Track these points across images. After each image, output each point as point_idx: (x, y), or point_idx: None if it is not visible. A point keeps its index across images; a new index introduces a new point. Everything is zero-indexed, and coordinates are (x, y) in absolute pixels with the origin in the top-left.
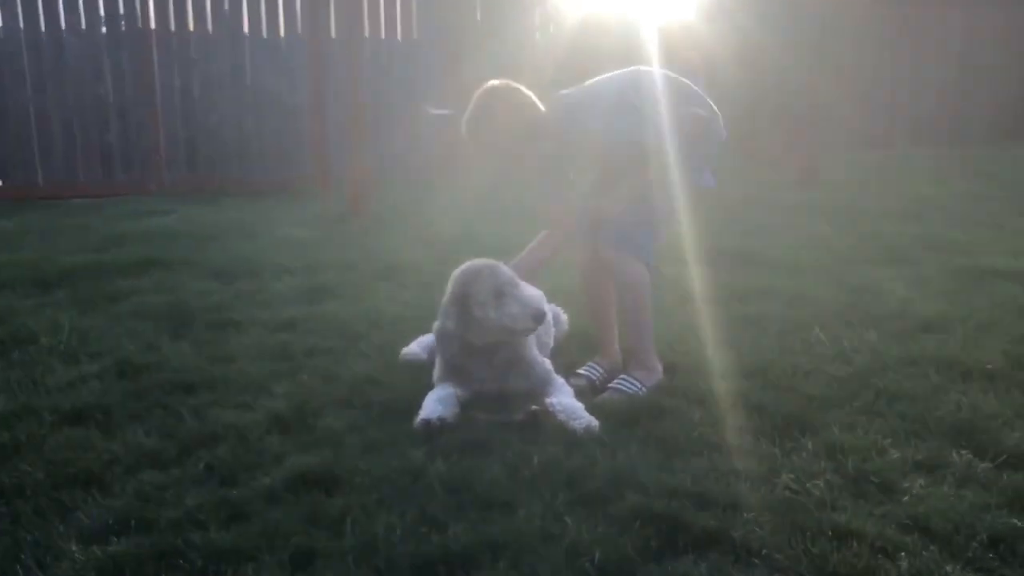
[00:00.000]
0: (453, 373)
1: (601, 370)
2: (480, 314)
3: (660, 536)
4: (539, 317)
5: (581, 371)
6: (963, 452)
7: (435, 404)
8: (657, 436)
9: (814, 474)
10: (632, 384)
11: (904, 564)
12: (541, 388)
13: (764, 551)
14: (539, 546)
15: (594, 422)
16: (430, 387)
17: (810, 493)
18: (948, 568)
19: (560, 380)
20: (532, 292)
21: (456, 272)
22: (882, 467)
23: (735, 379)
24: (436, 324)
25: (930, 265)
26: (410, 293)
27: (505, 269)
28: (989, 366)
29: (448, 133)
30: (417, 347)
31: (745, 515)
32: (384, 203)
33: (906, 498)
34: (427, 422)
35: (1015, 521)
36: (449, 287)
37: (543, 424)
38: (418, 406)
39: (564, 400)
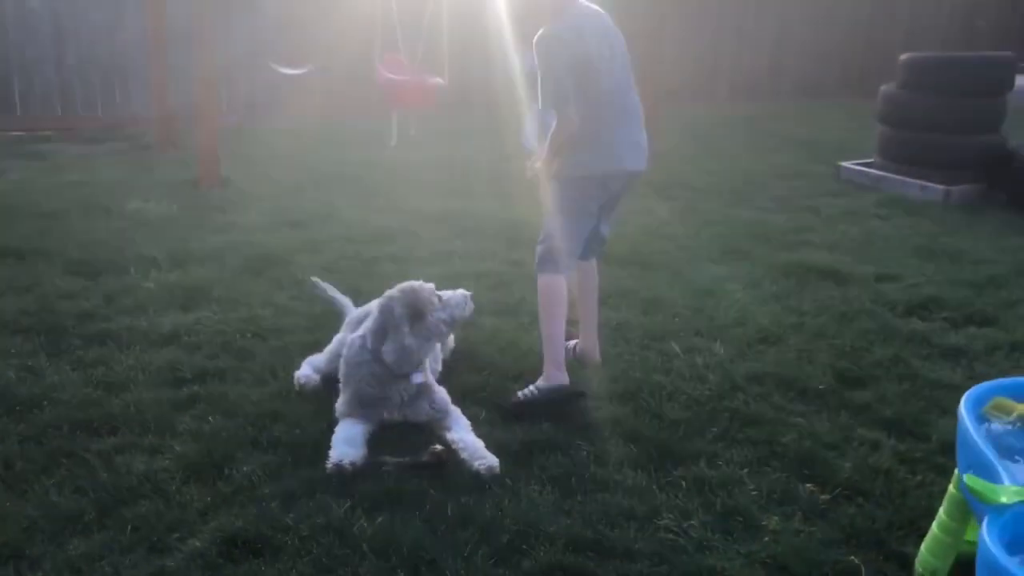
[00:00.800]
0: (360, 405)
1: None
2: (431, 320)
3: None
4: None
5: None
6: (807, 485)
7: (344, 446)
8: (551, 475)
9: (689, 513)
10: (527, 391)
11: None
12: (443, 417)
13: None
14: None
15: (495, 461)
16: (333, 420)
17: (688, 534)
18: None
19: (456, 411)
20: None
21: (385, 299)
22: (744, 503)
23: (610, 405)
24: (349, 351)
25: (760, 262)
26: (286, 295)
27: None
28: (821, 386)
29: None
30: (310, 369)
31: (638, 564)
32: (237, 163)
33: (766, 538)
34: (339, 467)
35: (854, 557)
36: (379, 314)
37: (446, 463)
38: (326, 445)
39: (466, 437)
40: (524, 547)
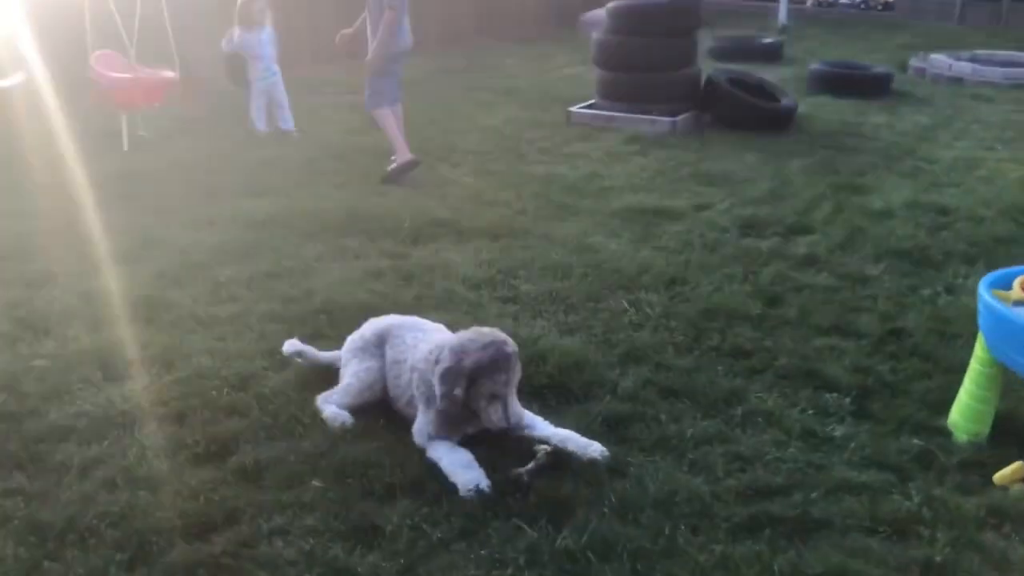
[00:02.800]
0: (445, 425)
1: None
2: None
3: None
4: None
5: None
6: (833, 394)
7: (466, 471)
8: (641, 446)
9: (760, 430)
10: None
11: None
12: (517, 421)
13: None
14: None
15: (600, 446)
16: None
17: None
18: None
19: (528, 412)
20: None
21: (460, 345)
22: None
23: (643, 361)
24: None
25: (595, 213)
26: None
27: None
28: (758, 311)
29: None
30: (336, 408)
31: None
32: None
33: None
34: (479, 490)
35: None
36: (451, 356)
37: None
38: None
39: (559, 431)
40: (706, 511)
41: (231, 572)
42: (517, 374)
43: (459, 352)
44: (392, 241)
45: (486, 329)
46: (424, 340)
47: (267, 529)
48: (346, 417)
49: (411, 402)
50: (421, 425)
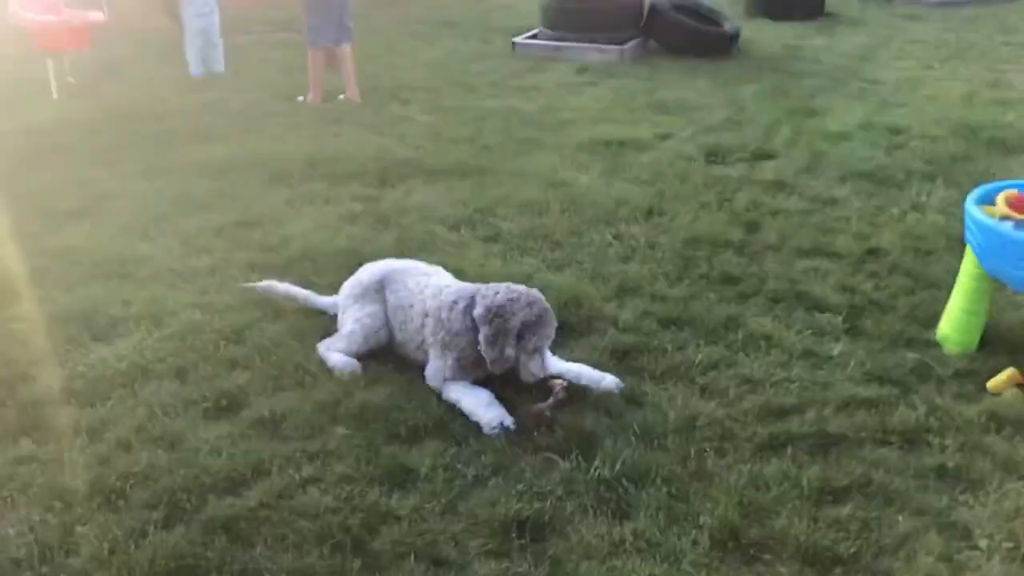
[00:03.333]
0: (462, 368)
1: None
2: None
3: None
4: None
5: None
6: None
7: (489, 409)
8: (652, 374)
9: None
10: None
11: None
12: (547, 369)
13: None
14: None
15: (614, 377)
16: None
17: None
18: None
19: None
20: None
21: (508, 300)
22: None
23: (645, 291)
24: (449, 318)
25: (560, 145)
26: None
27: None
28: (738, 239)
29: None
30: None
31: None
32: None
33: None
34: (504, 427)
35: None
36: (493, 314)
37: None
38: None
39: (572, 367)
40: (727, 434)
41: (272, 524)
42: (553, 328)
43: (505, 312)
44: (359, 184)
45: (517, 287)
46: (428, 284)
47: (299, 479)
48: (355, 364)
49: (421, 347)
50: (436, 369)
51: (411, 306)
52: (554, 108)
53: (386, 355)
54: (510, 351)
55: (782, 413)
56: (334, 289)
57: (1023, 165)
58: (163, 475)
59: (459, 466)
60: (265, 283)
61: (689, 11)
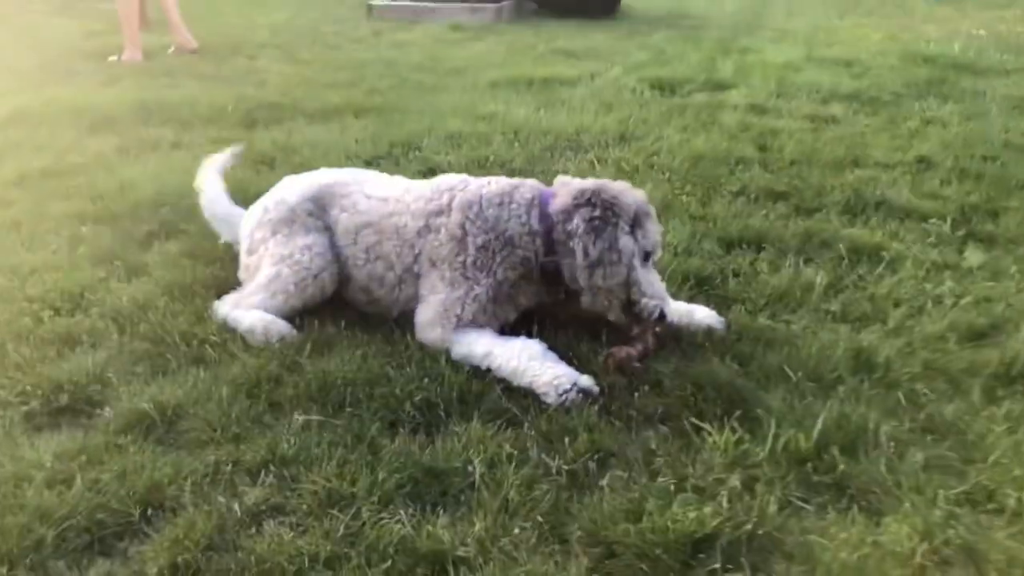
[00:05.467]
0: (496, 300)
1: None
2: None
3: None
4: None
5: None
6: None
7: (546, 365)
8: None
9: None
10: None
11: None
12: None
13: None
14: None
15: (707, 310)
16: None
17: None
18: None
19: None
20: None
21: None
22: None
23: None
24: (488, 224)
25: (477, 81)
26: None
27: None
28: (739, 168)
29: None
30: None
31: None
32: None
33: None
34: (588, 392)
35: None
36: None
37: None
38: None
39: (670, 303)
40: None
41: None
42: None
43: (614, 198)
44: (217, 128)
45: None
46: (409, 187)
47: (239, 510)
48: (282, 325)
49: (403, 283)
50: (444, 305)
51: (389, 216)
52: (440, 58)
53: (330, 313)
54: (625, 240)
55: (978, 336)
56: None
57: (1009, 86)
58: None
59: (548, 459)
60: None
61: None
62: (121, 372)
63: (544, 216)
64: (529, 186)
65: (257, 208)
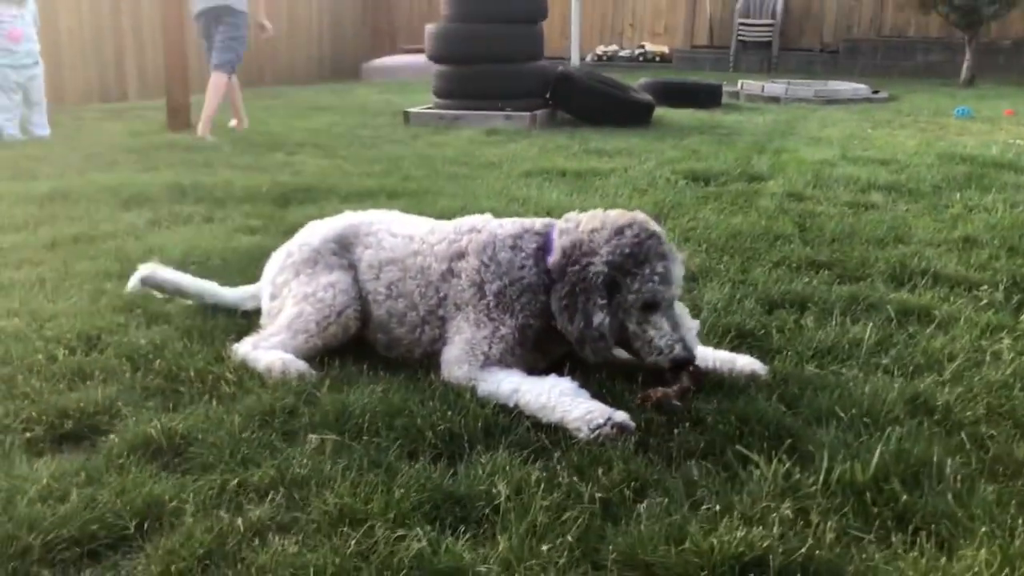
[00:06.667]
0: (523, 343)
1: None
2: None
3: None
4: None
5: None
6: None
7: (577, 401)
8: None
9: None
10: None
11: None
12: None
13: None
14: None
15: (750, 358)
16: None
17: None
18: None
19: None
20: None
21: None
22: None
23: None
24: (508, 271)
25: (504, 173)
26: None
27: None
28: (722, 265)
29: None
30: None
31: None
32: None
33: None
34: (623, 426)
35: None
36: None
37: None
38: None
39: (703, 349)
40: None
41: None
42: (680, 260)
43: (579, 253)
44: (252, 205)
45: (610, 212)
46: (433, 226)
47: (242, 525)
48: (301, 364)
49: (427, 323)
50: (466, 348)
51: (401, 259)
52: (475, 154)
53: (350, 354)
54: (601, 317)
55: None
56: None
57: None
58: None
59: (578, 483)
60: (144, 270)
61: (600, 81)
62: (131, 404)
63: (548, 270)
64: (536, 232)
65: (280, 253)
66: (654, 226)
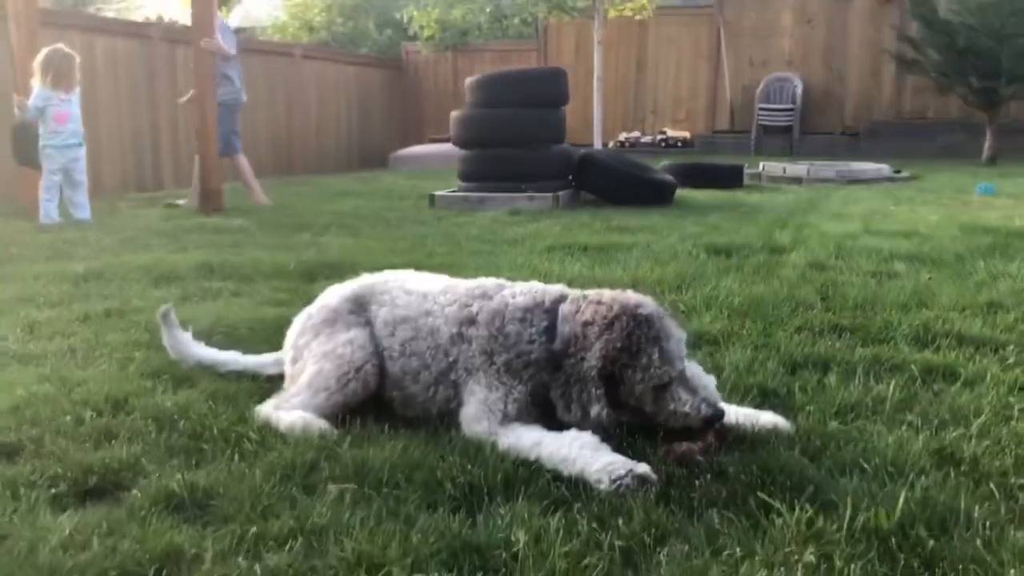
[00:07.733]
0: (535, 404)
1: None
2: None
3: None
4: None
5: None
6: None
7: (598, 454)
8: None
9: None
10: None
11: None
12: (715, 401)
13: None
14: None
15: (773, 414)
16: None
17: None
18: None
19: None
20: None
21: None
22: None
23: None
24: (509, 342)
25: (526, 249)
26: None
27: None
28: (744, 333)
29: None
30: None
31: None
32: None
33: None
34: (646, 479)
35: None
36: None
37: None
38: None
39: (726, 406)
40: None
41: None
42: (677, 336)
43: (575, 345)
44: (279, 280)
45: (604, 294)
46: (447, 287)
47: (260, 572)
48: (322, 423)
49: (440, 384)
50: (486, 404)
51: (414, 318)
52: (498, 232)
53: (372, 413)
54: (601, 410)
55: None
56: None
57: None
58: None
59: (598, 531)
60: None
61: (622, 162)
62: (155, 461)
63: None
64: (546, 310)
65: (301, 316)
66: (646, 310)
